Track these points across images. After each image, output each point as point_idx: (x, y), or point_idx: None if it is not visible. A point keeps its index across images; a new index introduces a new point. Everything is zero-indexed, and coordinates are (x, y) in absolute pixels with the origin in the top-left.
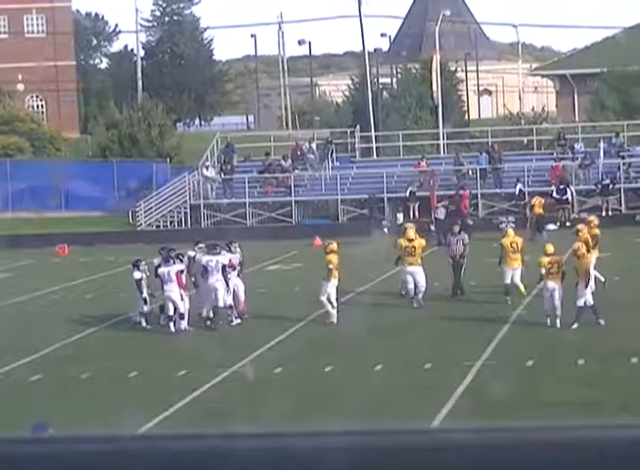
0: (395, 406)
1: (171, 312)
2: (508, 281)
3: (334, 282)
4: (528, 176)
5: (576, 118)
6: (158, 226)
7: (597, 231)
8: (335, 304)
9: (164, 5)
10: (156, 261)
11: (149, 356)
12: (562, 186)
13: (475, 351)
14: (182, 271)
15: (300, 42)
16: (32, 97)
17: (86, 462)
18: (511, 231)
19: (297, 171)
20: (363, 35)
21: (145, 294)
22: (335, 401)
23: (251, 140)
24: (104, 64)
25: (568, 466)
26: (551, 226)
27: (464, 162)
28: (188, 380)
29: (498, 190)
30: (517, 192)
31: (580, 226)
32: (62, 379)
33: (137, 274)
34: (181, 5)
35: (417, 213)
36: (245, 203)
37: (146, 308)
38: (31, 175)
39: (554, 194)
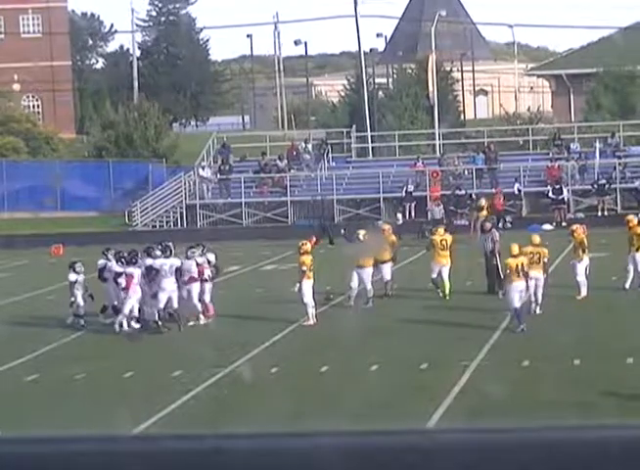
0: (391, 406)
1: (136, 313)
2: (435, 276)
3: (309, 282)
4: (524, 176)
5: (572, 119)
6: (154, 226)
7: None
8: (312, 303)
9: (160, 5)
10: (100, 263)
11: (146, 356)
12: (558, 186)
13: (471, 350)
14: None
15: (296, 42)
16: (28, 97)
17: (86, 462)
18: (441, 229)
19: (292, 171)
20: (359, 35)
21: (79, 296)
22: (331, 402)
23: (246, 140)
24: (99, 64)
25: (566, 466)
26: (547, 226)
27: (458, 162)
28: (184, 380)
29: (494, 190)
30: (515, 191)
31: (575, 227)
32: (57, 379)
33: (72, 276)
34: (177, 5)
35: (413, 213)
36: (240, 203)
37: (78, 310)
38: (27, 175)
39: (550, 194)
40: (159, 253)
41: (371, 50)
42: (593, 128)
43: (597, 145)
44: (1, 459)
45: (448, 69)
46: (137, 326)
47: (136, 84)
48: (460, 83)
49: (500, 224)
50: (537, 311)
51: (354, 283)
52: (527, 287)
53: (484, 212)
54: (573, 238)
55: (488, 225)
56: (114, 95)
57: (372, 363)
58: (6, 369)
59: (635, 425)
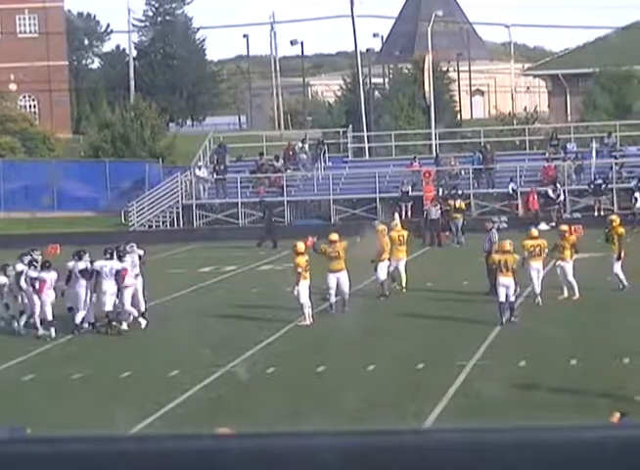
0: (388, 406)
1: (49, 317)
2: (392, 269)
3: (305, 283)
4: (521, 176)
5: (569, 118)
6: (150, 226)
7: (621, 230)
8: (309, 303)
9: (157, 5)
10: (18, 267)
11: (143, 356)
12: (554, 186)
13: (468, 350)
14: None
15: (293, 42)
16: (25, 97)
17: (84, 462)
18: (398, 225)
19: (289, 172)
20: (355, 35)
21: (5, 299)
22: (328, 402)
23: (243, 140)
24: (96, 64)
25: (564, 466)
26: (543, 226)
27: (455, 162)
28: (181, 380)
29: (491, 190)
30: (510, 191)
31: (565, 227)
32: (55, 379)
33: (2, 279)
34: (173, 5)
35: (410, 213)
36: (237, 203)
37: (9, 313)
38: (24, 175)
39: (549, 194)
40: (88, 256)
41: (367, 50)
42: (589, 128)
43: (593, 145)
44: (1, 459)
45: (445, 68)
46: (52, 330)
47: (132, 84)
48: (456, 83)
49: (496, 224)
50: (539, 302)
51: (333, 289)
52: (516, 282)
53: (459, 215)
54: (565, 239)
55: (489, 225)
56: (110, 95)
57: (369, 363)
58: (3, 369)
59: (634, 425)
